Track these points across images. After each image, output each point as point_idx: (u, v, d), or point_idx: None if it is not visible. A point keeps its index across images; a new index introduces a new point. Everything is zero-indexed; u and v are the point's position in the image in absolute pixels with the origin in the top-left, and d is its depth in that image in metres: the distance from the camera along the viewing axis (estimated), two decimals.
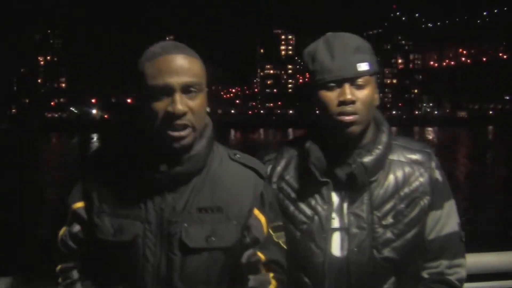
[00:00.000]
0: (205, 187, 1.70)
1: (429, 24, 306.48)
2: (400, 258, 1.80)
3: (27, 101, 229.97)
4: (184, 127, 1.60)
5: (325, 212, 1.83)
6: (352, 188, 1.83)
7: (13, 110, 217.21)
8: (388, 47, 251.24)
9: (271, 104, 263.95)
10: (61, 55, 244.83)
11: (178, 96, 1.58)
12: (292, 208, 1.89)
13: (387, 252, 1.79)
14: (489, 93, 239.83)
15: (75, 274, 1.75)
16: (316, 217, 1.84)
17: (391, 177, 1.86)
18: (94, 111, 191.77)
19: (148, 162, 1.64)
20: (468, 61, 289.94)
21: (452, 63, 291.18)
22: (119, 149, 1.79)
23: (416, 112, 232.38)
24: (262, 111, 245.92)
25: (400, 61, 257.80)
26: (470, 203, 18.63)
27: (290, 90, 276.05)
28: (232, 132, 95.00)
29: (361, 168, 1.79)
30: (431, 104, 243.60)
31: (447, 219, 1.89)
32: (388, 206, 1.83)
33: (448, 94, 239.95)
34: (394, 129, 1.95)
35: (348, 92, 1.78)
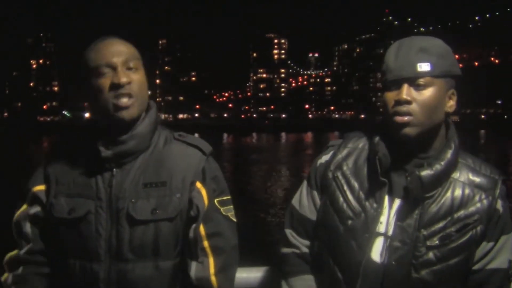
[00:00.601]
0: (151, 164, 1.83)
1: (421, 29, 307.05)
2: (437, 282, 1.74)
3: (19, 104, 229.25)
4: (128, 96, 1.75)
5: (373, 212, 1.79)
6: (406, 199, 1.77)
7: (5, 114, 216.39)
8: (381, 51, 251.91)
9: (264, 108, 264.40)
10: (54, 59, 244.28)
11: (120, 69, 1.76)
12: (341, 200, 1.86)
13: (424, 274, 1.73)
14: (481, 97, 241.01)
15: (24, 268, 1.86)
16: (363, 215, 1.80)
17: (448, 197, 1.78)
18: (86, 115, 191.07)
19: (96, 142, 1.78)
20: (460, 65, 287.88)
21: None
22: (75, 135, 1.97)
23: None
24: (255, 115, 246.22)
25: None
26: None
27: (282, 94, 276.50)
28: (225, 136, 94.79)
29: (417, 182, 1.72)
30: None
31: (497, 254, 1.78)
32: (437, 226, 1.75)
33: None
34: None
35: (405, 92, 1.73)
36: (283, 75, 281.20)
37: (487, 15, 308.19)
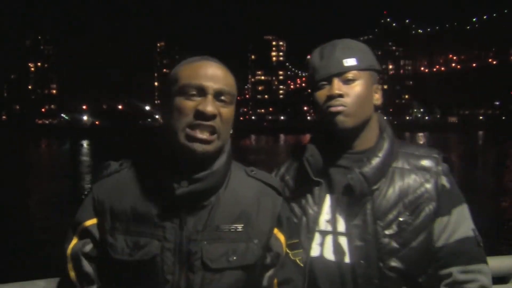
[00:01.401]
0: (225, 204, 1.64)
1: (419, 30, 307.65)
2: (407, 267, 1.76)
3: (17, 107, 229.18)
4: (211, 130, 1.55)
5: (313, 213, 1.84)
6: (351, 196, 1.79)
7: (3, 117, 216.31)
8: (379, 53, 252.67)
9: (263, 110, 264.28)
10: (52, 62, 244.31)
11: (210, 98, 1.55)
12: None
13: (393, 263, 1.75)
14: (479, 98, 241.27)
15: None
16: (304, 218, 1.85)
17: (394, 185, 1.82)
18: (85, 118, 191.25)
19: (168, 178, 1.58)
20: (458, 66, 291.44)
21: (443, 69, 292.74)
22: (133, 166, 1.71)
23: (407, 118, 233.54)
24: (253, 117, 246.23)
25: (390, 67, 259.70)
26: None
27: (281, 96, 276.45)
28: None
29: (359, 178, 1.77)
30: (421, 110, 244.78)
31: (456, 225, 1.80)
32: (392, 215, 1.78)
33: (439, 100, 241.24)
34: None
35: (336, 87, 1.78)
36: (281, 77, 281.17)
37: (485, 17, 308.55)
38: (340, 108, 1.77)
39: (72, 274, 1.63)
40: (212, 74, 1.58)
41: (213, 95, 1.55)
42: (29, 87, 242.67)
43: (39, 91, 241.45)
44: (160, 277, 1.54)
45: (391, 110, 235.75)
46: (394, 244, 1.76)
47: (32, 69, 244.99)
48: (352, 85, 1.80)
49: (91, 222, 1.64)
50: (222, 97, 1.58)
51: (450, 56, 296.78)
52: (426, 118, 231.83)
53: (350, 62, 1.81)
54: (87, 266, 1.63)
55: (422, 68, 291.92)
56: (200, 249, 1.56)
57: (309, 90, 1.91)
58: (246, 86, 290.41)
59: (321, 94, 1.82)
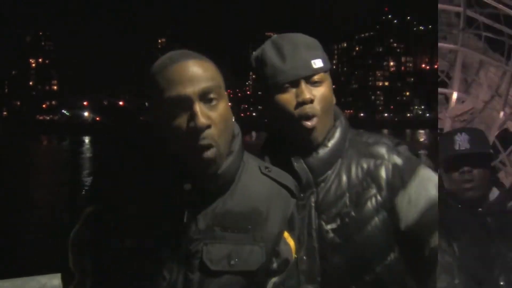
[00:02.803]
0: (232, 203, 1.52)
1: (420, 27, 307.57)
2: (351, 264, 1.66)
3: (18, 103, 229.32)
4: (209, 142, 1.41)
5: None
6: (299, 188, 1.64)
7: (4, 113, 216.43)
8: (380, 49, 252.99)
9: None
10: (53, 58, 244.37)
11: (197, 107, 1.40)
12: None
13: (336, 259, 1.67)
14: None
15: None
16: None
17: (341, 178, 1.72)
18: (86, 114, 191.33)
19: (171, 178, 1.48)
20: None
21: None
22: (139, 159, 1.60)
23: (408, 115, 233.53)
24: (254, 114, 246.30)
25: (392, 63, 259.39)
26: None
27: None
28: None
29: (304, 168, 1.69)
30: (422, 107, 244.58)
31: (416, 197, 1.67)
32: (336, 209, 1.69)
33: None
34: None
35: (306, 91, 1.67)
36: None
37: None
38: (314, 122, 1.67)
39: (71, 262, 1.57)
40: (190, 75, 1.42)
41: (198, 99, 1.41)
42: (30, 83, 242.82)
43: (39, 87, 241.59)
44: (157, 274, 1.46)
45: (392, 107, 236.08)
46: (337, 239, 1.66)
47: (33, 65, 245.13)
48: (319, 88, 1.70)
49: (92, 209, 1.57)
50: (210, 96, 1.43)
51: None
52: (427, 115, 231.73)
53: (318, 63, 1.70)
54: (86, 255, 1.56)
55: (423, 65, 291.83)
56: (201, 249, 1.46)
57: (260, 91, 1.81)
58: (247, 83, 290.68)
59: (286, 98, 1.70)
